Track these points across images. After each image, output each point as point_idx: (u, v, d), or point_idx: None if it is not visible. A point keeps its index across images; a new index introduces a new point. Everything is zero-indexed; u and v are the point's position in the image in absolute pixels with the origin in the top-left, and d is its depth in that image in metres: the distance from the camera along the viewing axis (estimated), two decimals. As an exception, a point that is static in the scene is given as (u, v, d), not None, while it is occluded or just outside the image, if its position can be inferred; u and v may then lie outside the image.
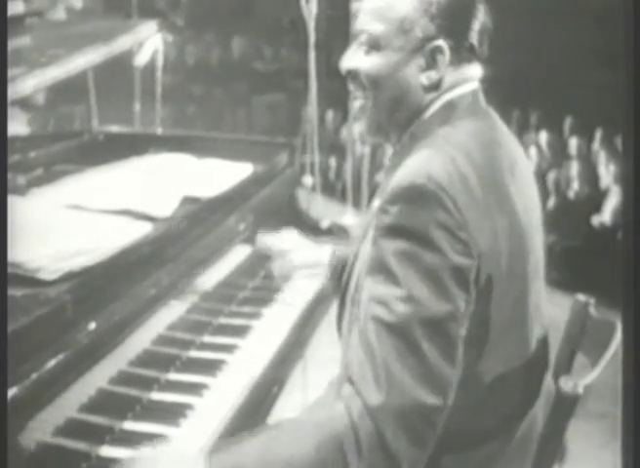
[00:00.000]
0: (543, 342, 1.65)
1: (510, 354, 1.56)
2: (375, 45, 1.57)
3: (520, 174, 1.58)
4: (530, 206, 1.59)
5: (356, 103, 1.64)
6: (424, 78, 1.56)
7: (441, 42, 1.54)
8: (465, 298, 1.43)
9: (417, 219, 1.42)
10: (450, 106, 1.57)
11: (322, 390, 1.91)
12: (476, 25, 1.56)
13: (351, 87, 1.63)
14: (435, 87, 1.57)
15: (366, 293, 1.48)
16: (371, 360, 1.41)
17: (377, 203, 1.61)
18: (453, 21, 1.54)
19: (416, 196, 1.43)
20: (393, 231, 1.44)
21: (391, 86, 1.57)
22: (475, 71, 1.60)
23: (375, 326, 1.42)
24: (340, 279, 1.81)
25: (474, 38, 1.56)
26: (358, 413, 1.39)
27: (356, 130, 1.69)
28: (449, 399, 1.41)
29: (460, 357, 1.43)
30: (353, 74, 1.61)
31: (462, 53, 1.56)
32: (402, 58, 1.55)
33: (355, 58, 1.60)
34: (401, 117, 1.59)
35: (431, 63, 1.55)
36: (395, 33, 1.55)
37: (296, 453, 1.40)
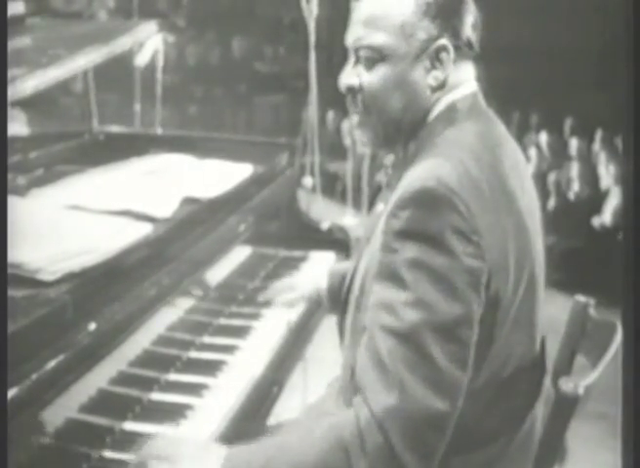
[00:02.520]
0: (542, 344, 1.66)
1: (516, 356, 1.56)
2: (378, 56, 1.54)
3: (522, 175, 1.58)
4: (532, 207, 1.59)
5: (354, 119, 1.61)
6: (431, 79, 1.55)
7: (445, 41, 1.53)
8: (477, 302, 1.43)
9: (428, 223, 1.41)
10: (452, 108, 1.56)
11: (322, 391, 1.91)
12: (470, 20, 1.56)
13: (350, 104, 1.60)
14: (441, 86, 1.56)
15: (373, 299, 1.47)
16: (380, 368, 1.40)
17: (381, 207, 1.60)
18: (451, 19, 1.54)
19: (426, 200, 1.42)
20: (404, 236, 1.42)
21: (400, 94, 1.55)
22: (470, 69, 1.60)
23: (383, 334, 1.41)
24: (338, 294, 1.81)
25: (470, 33, 1.56)
26: (365, 421, 1.39)
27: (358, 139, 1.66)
28: (458, 404, 1.41)
29: (471, 361, 1.43)
30: (354, 91, 1.58)
31: (462, 49, 1.56)
32: (408, 64, 1.54)
33: (356, 75, 1.57)
34: (409, 122, 1.57)
35: (436, 63, 1.54)
36: (398, 40, 1.53)
37: (303, 457, 1.41)
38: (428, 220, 1.41)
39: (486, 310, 1.45)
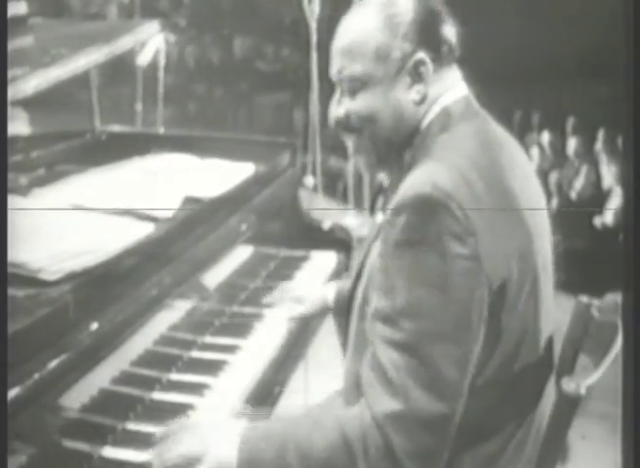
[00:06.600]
0: (549, 344, 1.65)
1: (521, 356, 1.55)
2: (359, 85, 1.57)
3: (522, 174, 1.58)
4: (533, 206, 1.58)
5: (350, 148, 1.64)
6: (414, 93, 1.57)
7: (421, 55, 1.55)
8: (476, 303, 1.42)
9: (425, 229, 1.41)
10: (445, 113, 1.57)
11: (323, 391, 1.91)
12: (445, 28, 1.57)
13: (343, 136, 1.63)
14: (425, 98, 1.57)
15: (372, 308, 1.48)
16: (383, 379, 1.41)
17: (380, 217, 1.61)
18: (424, 32, 1.55)
19: (422, 206, 1.42)
20: (400, 243, 1.43)
21: (387, 115, 1.57)
22: (456, 72, 1.61)
23: (384, 346, 1.43)
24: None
25: (447, 40, 1.57)
26: (368, 423, 1.41)
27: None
28: (458, 407, 1.42)
29: (473, 363, 1.43)
30: (344, 122, 1.61)
31: (442, 56, 1.57)
32: (389, 85, 1.56)
33: (342, 106, 1.61)
34: (400, 138, 1.59)
35: (416, 78, 1.56)
36: (374, 65, 1.55)
37: (310, 445, 1.43)
38: (424, 226, 1.41)
39: (490, 310, 1.45)
